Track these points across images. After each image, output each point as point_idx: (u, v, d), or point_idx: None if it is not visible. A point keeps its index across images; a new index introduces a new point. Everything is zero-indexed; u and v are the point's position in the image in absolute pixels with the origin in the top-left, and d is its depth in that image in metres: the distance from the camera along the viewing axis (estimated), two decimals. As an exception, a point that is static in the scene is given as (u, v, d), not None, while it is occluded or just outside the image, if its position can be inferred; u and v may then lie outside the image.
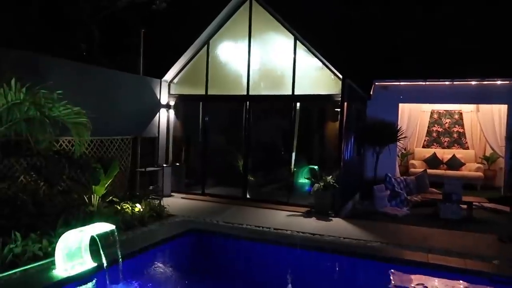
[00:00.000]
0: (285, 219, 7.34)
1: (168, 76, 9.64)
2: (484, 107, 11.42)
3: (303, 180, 9.24)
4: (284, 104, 9.06)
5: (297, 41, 8.44)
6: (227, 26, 9.17)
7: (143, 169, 8.48)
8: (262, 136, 10.24)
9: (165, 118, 9.73)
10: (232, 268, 5.64)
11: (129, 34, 11.90)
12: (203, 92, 9.40)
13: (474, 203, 8.25)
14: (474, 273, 4.92)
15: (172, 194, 9.25)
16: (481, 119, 11.65)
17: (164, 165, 9.27)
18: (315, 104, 9.86)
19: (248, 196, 9.03)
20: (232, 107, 10.23)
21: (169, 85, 9.76)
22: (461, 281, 5.02)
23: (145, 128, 9.12)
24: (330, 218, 7.46)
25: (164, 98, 9.68)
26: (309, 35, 8.58)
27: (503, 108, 10.36)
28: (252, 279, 5.27)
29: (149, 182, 8.77)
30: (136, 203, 7.01)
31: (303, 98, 8.58)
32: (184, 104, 9.94)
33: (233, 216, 7.37)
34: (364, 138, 9.77)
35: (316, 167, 9.57)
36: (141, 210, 6.84)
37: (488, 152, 11.85)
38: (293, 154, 9.20)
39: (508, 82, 9.81)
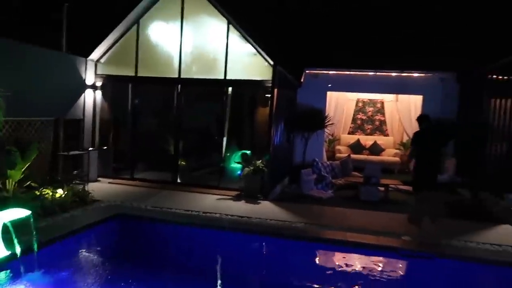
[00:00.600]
0: (215, 203, 7.41)
1: (95, 55, 9.13)
2: (402, 97, 12.35)
3: (234, 164, 9.35)
4: (217, 88, 9.04)
5: (230, 25, 8.43)
6: (159, 5, 8.87)
7: (66, 153, 8.02)
8: (194, 120, 10.15)
9: (91, 99, 9.23)
10: (161, 253, 5.60)
11: (51, 8, 11.00)
12: (132, 74, 9.05)
13: (390, 186, 8.97)
14: (385, 248, 5.40)
15: (98, 179, 8.88)
16: (399, 108, 12.61)
17: (90, 148, 8.83)
18: (247, 89, 9.96)
19: (179, 180, 8.96)
20: (163, 89, 9.98)
21: (95, 65, 9.25)
22: (375, 256, 5.48)
23: (68, 110, 8.59)
24: (259, 201, 7.68)
25: (90, 78, 9.16)
26: (243, 20, 8.60)
27: (419, 98, 11.29)
28: (181, 263, 5.29)
29: (73, 167, 8.31)
30: (57, 188, 6.63)
31: (235, 83, 8.64)
32: (112, 85, 9.50)
33: (163, 201, 7.29)
34: (294, 124, 10.09)
35: (248, 151, 9.73)
36: (63, 195, 6.49)
37: (405, 139, 12.87)
38: (225, 139, 9.26)
39: (423, 75, 10.69)
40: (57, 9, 9.79)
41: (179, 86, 8.84)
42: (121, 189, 8.18)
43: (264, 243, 6.03)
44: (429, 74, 10.60)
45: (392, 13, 11.10)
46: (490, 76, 8.57)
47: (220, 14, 8.45)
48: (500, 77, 8.09)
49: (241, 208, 7.14)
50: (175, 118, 8.99)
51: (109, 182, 8.74)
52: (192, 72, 8.77)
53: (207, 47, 8.68)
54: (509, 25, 9.11)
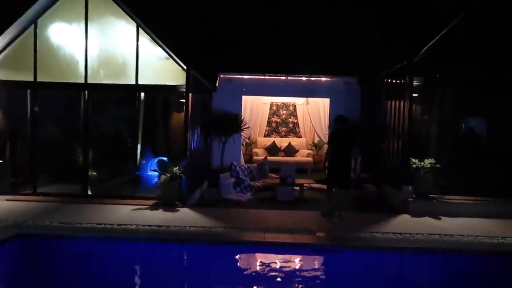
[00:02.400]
0: (130, 214, 7.09)
1: (-16, 58, 8.18)
2: (312, 100, 13.07)
3: (150, 172, 9.05)
4: (128, 94, 8.66)
5: (140, 28, 8.15)
6: (59, 5, 8.23)
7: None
8: (105, 127, 9.63)
9: (-19, 107, 8.25)
10: (72, 272, 5.19)
11: None
12: (31, 79, 8.27)
13: (305, 185, 9.42)
14: (300, 245, 5.65)
15: (-7, 196, 7.95)
16: (310, 111, 13.33)
17: (-18, 163, 7.88)
18: (161, 94, 9.74)
19: (90, 192, 8.40)
20: (68, 95, 9.29)
21: (-15, 69, 8.29)
22: (291, 254, 5.71)
23: (-48, 120, 7.57)
24: (177, 208, 7.53)
25: (-22, 84, 8.19)
26: (153, 23, 8.37)
27: (326, 101, 12.04)
28: (94, 280, 4.96)
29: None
30: None
31: (148, 88, 8.37)
32: (7, 91, 8.59)
33: (72, 216, 6.77)
34: (211, 128, 10.11)
35: (165, 158, 9.50)
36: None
37: (316, 139, 13.63)
38: (139, 146, 8.91)
39: (330, 79, 11.43)
40: None
41: (86, 92, 8.30)
42: (21, 206, 7.40)
43: (184, 251, 5.93)
44: (334, 78, 11.36)
45: (299, 22, 11.67)
46: (385, 80, 9.46)
47: (128, 17, 8.12)
48: (394, 81, 8.97)
49: (158, 217, 6.93)
50: (83, 125, 8.41)
51: (7, 200, 7.85)
52: (100, 77, 8.29)
53: (116, 51, 8.28)
54: (402, 35, 10.17)
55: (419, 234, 6.18)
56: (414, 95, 8.07)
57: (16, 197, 8.03)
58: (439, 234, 6.19)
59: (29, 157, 8.59)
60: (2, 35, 7.98)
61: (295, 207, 8.04)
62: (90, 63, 8.23)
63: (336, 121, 7.41)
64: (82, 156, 8.42)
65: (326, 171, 7.40)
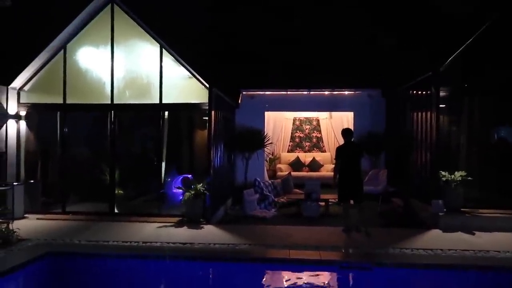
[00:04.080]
0: (155, 231, 7.14)
1: (17, 83, 8.57)
2: (335, 114, 12.95)
3: (175, 189, 9.13)
4: (152, 113, 8.85)
5: (164, 49, 8.36)
6: (87, 31, 8.57)
7: (-14, 190, 7.34)
8: (130, 146, 9.83)
9: (14, 130, 8.59)
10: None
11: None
12: (60, 101, 8.59)
13: (330, 200, 9.25)
14: (327, 262, 5.51)
15: (25, 215, 8.20)
16: (334, 125, 13.19)
17: (15, 183, 8.15)
18: (184, 113, 9.88)
19: (116, 210, 8.54)
20: (95, 116, 9.58)
21: (18, 93, 8.67)
22: (317, 271, 5.57)
23: (-12, 143, 7.92)
24: (202, 226, 7.53)
25: (12, 108, 8.55)
26: (176, 44, 8.57)
27: (350, 115, 11.89)
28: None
29: (-5, 204, 7.62)
30: (-24, 230, 6.02)
31: (171, 107, 8.51)
32: (38, 114, 8.94)
33: (99, 234, 6.88)
34: (234, 145, 10.15)
35: (189, 175, 9.56)
36: (-18, 237, 5.89)
37: (341, 154, 13.41)
38: (164, 164, 9.02)
39: (353, 92, 11.31)
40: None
41: (112, 112, 8.53)
42: (52, 225, 7.60)
43: (209, 269, 5.89)
44: (357, 92, 11.24)
45: (319, 35, 11.68)
46: (411, 91, 9.27)
47: (152, 39, 8.36)
48: (419, 92, 8.79)
49: (183, 234, 6.94)
50: (109, 145, 8.62)
51: (38, 218, 8.09)
52: (126, 98, 8.52)
53: (141, 72, 8.51)
54: (425, 45, 10.00)
55: (452, 250, 5.92)
56: (441, 105, 7.86)
57: (47, 216, 8.25)
58: (473, 250, 5.91)
59: (58, 177, 8.85)
60: (34, 61, 8.37)
61: (320, 223, 7.89)
62: (116, 84, 8.48)
63: (344, 135, 7.36)
64: (109, 175, 8.60)
65: (338, 187, 7.30)
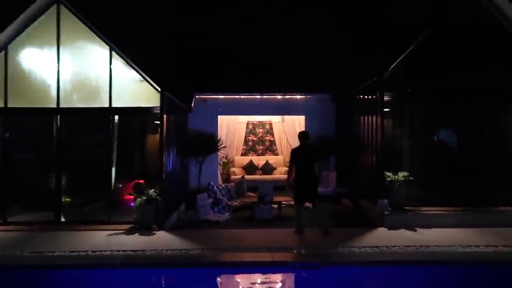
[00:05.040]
0: (105, 239, 6.92)
1: (-49, 85, 7.98)
2: (288, 118, 13.24)
3: (126, 195, 8.89)
4: (102, 117, 8.55)
5: (113, 52, 8.14)
6: (30, 31, 8.15)
7: None
8: (79, 152, 9.43)
9: None
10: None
11: None
12: (1, 105, 8.10)
13: (283, 202, 9.43)
14: (280, 263, 5.63)
15: (-40, 227, 7.64)
16: (286, 129, 13.48)
17: None
18: (135, 117, 9.64)
19: (63, 219, 8.17)
20: (40, 121, 9.11)
21: (-48, 97, 8.08)
22: (271, 273, 5.67)
23: None
24: (154, 232, 7.39)
25: None
26: (127, 46, 8.39)
27: (302, 118, 12.21)
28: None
29: None
30: None
31: (122, 111, 8.29)
32: (-25, 118, 8.37)
33: (44, 244, 6.55)
34: (187, 149, 10.07)
35: (141, 181, 9.35)
36: None
37: (294, 156, 13.71)
38: (114, 170, 8.77)
39: (304, 97, 11.64)
40: None
41: (59, 116, 8.17)
42: (-9, 237, 7.13)
43: (161, 275, 5.81)
44: (308, 96, 11.57)
45: (272, 41, 11.92)
46: (358, 96, 9.70)
47: (101, 41, 8.11)
48: (366, 96, 9.22)
49: (135, 241, 6.78)
50: (55, 151, 8.24)
51: (-25, 230, 7.56)
52: (73, 101, 8.19)
53: (89, 75, 8.22)
54: (372, 52, 10.51)
55: (396, 246, 6.27)
56: (385, 109, 8.29)
57: (-15, 227, 7.73)
58: (415, 246, 6.29)
59: (-1, 186, 8.33)
60: (-30, 62, 7.84)
61: (273, 225, 8.03)
62: (62, 87, 8.14)
63: (300, 137, 7.56)
64: (55, 182, 8.21)
65: (294, 189, 7.46)
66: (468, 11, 8.37)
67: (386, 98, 8.26)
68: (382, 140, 8.17)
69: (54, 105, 8.11)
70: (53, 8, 8.11)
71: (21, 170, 8.83)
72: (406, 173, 7.94)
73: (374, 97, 8.55)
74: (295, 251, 6.10)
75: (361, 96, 9.53)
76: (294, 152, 7.54)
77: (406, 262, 5.73)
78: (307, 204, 7.47)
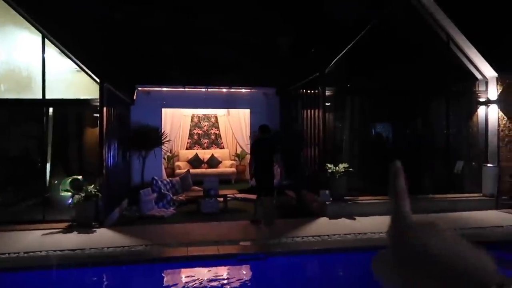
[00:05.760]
0: (39, 239, 6.50)
1: None
2: (233, 111, 13.24)
3: (62, 192, 8.42)
4: (34, 109, 8.02)
5: (46, 39, 7.62)
6: None
7: None
8: (8, 147, 8.78)
9: None
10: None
11: None
12: None
13: (228, 196, 9.46)
14: (225, 256, 5.65)
15: None
16: (231, 122, 13.48)
17: None
18: (72, 109, 9.17)
19: (-9, 219, 7.56)
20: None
21: None
22: (217, 266, 5.68)
23: None
24: (94, 230, 7.08)
25: None
26: (62, 34, 7.88)
27: (247, 112, 12.28)
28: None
29: None
30: None
31: (57, 103, 7.82)
32: None
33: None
34: (129, 143, 9.74)
35: (80, 177, 8.90)
36: None
37: (239, 150, 13.80)
38: (49, 165, 8.26)
39: (249, 90, 11.70)
40: None
41: (-16, 108, 7.53)
42: None
43: (104, 274, 5.59)
44: (254, 90, 11.66)
45: (217, 32, 11.83)
46: (301, 90, 9.94)
47: (32, 27, 7.55)
48: (308, 91, 9.47)
49: (73, 240, 6.45)
50: (-20, 146, 7.59)
51: None
52: (1, 92, 7.58)
53: (19, 64, 7.64)
54: (316, 47, 10.80)
55: (336, 235, 6.55)
56: (326, 104, 8.58)
57: None
58: (354, 234, 6.61)
59: None
60: None
61: (219, 219, 8.03)
62: (-13, 76, 7.49)
63: (260, 131, 7.63)
64: (-19, 179, 7.58)
65: (254, 181, 7.55)
66: (400, 10, 8.90)
67: (328, 93, 8.55)
68: (324, 134, 8.45)
69: (-22, 96, 7.46)
70: (-25, -11, 7.41)
71: None
72: (346, 165, 8.29)
73: (316, 91, 8.81)
74: (240, 243, 6.15)
75: (304, 91, 9.78)
76: (254, 145, 7.61)
77: (346, 249, 6.01)
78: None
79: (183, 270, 5.79)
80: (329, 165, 8.28)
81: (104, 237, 6.63)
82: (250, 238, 6.49)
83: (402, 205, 0.58)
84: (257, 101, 11.77)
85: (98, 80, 7.67)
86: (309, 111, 9.27)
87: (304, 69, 9.73)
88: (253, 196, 10.04)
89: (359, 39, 8.56)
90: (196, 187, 10.60)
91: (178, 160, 13.37)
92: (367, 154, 9.92)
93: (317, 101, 8.72)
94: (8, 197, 8.31)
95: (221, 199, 9.06)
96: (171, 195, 9.41)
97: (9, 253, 5.68)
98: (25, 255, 5.66)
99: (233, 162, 13.46)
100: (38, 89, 7.62)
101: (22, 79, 7.65)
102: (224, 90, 11.65)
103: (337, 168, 8.24)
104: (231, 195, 9.78)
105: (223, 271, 5.67)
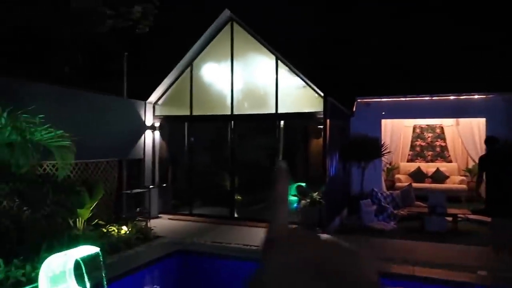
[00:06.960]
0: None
1: (153, 97, 9.72)
2: (463, 120, 11.71)
3: (290, 197, 9.26)
4: (268, 122, 9.17)
5: (279, 61, 8.63)
6: (209, 48, 9.34)
7: (129, 191, 8.44)
8: (248, 155, 10.29)
9: (150, 139, 9.75)
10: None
11: (112, 58, 11.92)
12: (187, 113, 9.48)
13: (459, 215, 8.38)
14: (458, 284, 4.97)
15: (159, 215, 9.19)
16: (461, 133, 11.94)
17: (151, 186, 9.22)
18: (299, 122, 9.98)
19: (236, 215, 9.03)
20: (217, 126, 10.31)
21: (153, 107, 9.83)
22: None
23: (130, 150, 9.11)
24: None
25: (149, 120, 9.72)
26: (290, 55, 8.79)
27: (482, 121, 10.64)
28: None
29: (136, 204, 8.70)
30: (122, 226, 6.95)
31: (287, 116, 8.72)
32: (169, 125, 10.00)
33: (221, 236, 7.35)
34: (349, 154, 9.90)
35: (303, 184, 9.62)
36: (127, 232, 6.78)
37: (470, 164, 12.08)
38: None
39: (485, 96, 10.13)
40: (114, 59, 10.65)
41: (232, 122, 9.09)
42: (180, 225, 8.40)
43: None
44: (490, 95, 10.02)
45: (445, 36, 10.80)
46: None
47: (268, 51, 8.70)
48: None
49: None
50: (229, 154, 9.19)
51: (169, 218, 9.01)
52: (244, 108, 9.01)
53: (258, 83, 8.92)
54: None
55: None
56: None
57: (177, 216, 9.14)
58: None
59: (186, 182, 9.73)
60: (166, 78, 9.41)
61: (447, 240, 7.18)
62: (235, 96, 9.03)
63: (487, 143, 6.61)
64: (229, 181, 9.14)
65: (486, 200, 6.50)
66: None
67: None
68: None
69: (229, 112, 9.06)
70: (228, 26, 9.09)
71: (202, 169, 10.15)
72: None
73: None
74: (478, 272, 5.30)
75: None
76: (482, 160, 6.68)
77: None
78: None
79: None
80: None
81: (326, 243, 6.89)
82: (487, 267, 5.52)
83: (279, 211, 0.53)
84: (495, 108, 10.06)
85: (322, 94, 8.15)
86: None
87: None
88: (488, 219, 8.62)
89: None
90: (419, 203, 9.84)
91: (398, 173, 12.77)
92: None
93: None
94: (248, 198, 9.73)
95: (449, 218, 8.10)
96: (391, 208, 9.04)
97: (250, 245, 6.62)
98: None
99: (463, 178, 11.87)
100: (272, 105, 8.68)
101: (260, 96, 8.89)
102: (452, 97, 10.45)
103: None
104: (462, 215, 8.62)
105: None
